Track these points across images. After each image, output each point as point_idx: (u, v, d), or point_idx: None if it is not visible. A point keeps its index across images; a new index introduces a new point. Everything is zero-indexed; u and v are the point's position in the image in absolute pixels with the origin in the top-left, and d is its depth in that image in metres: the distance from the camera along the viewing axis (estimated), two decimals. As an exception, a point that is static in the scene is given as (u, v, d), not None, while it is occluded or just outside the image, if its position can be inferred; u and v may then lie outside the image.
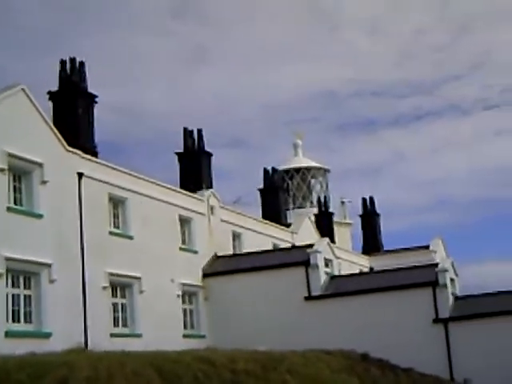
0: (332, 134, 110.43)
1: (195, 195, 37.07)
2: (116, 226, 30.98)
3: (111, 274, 29.35)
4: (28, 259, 25.21)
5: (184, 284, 34.07)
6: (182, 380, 19.90)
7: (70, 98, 31.36)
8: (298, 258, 35.67)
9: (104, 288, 28.97)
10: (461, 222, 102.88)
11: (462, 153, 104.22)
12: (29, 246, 25.42)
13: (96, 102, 32.40)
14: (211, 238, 37.28)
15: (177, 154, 39.98)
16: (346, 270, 41.67)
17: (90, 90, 32.18)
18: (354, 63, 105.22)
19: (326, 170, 62.19)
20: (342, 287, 35.23)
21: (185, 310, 34.49)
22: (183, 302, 34.37)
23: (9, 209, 25.24)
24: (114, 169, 31.02)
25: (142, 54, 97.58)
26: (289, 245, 43.05)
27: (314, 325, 33.75)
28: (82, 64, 32.09)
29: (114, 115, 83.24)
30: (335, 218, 55.53)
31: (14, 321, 24.69)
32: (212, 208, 37.92)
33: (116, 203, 31.14)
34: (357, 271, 45.96)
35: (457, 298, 34.18)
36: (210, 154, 40.51)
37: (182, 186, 37.88)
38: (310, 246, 36.53)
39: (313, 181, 61.52)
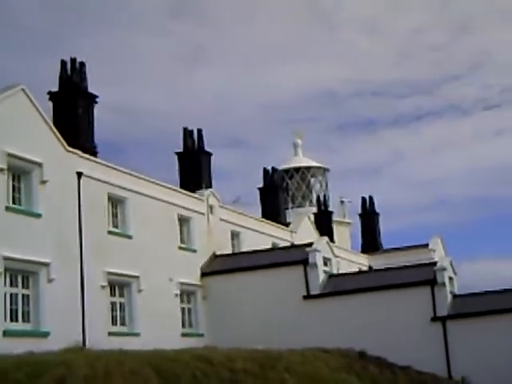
0: (332, 134, 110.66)
1: (195, 195, 37.15)
2: (115, 226, 31.05)
3: (110, 273, 29.44)
4: (27, 258, 25.31)
5: (182, 283, 34.15)
6: (180, 379, 19.97)
7: (70, 98, 31.43)
8: (297, 257, 35.72)
9: (103, 287, 29.05)
10: (460, 221, 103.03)
11: (461, 152, 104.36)
12: (28, 245, 25.52)
13: (96, 102, 32.49)
14: (210, 237, 37.37)
15: (176, 153, 40.07)
16: (344, 269, 41.71)
17: (90, 90, 32.28)
18: (353, 63, 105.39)
19: (326, 170, 62.28)
20: (341, 286, 35.29)
21: (183, 309, 34.58)
22: (181, 301, 34.45)
23: (8, 208, 25.33)
24: (114, 168, 31.11)
25: (141, 53, 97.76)
26: (288, 244, 43.11)
27: (312, 323, 33.82)
28: (82, 64, 32.17)
29: (114, 115, 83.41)
30: (334, 217, 55.58)
31: (12, 320, 24.77)
32: (211, 207, 38.00)
33: (115, 203, 31.23)
34: (356, 270, 45.98)
35: (455, 297, 34.22)
36: (209, 154, 40.60)
37: (181, 186, 37.96)
38: (309, 244, 36.59)
39: (312, 180, 61.60)
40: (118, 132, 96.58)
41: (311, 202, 59.25)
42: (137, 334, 30.18)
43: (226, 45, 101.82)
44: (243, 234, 40.62)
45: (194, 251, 35.85)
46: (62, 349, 20.74)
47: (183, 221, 35.68)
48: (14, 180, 26.34)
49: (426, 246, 52.09)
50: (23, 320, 25.31)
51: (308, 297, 34.67)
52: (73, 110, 31.20)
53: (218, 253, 37.51)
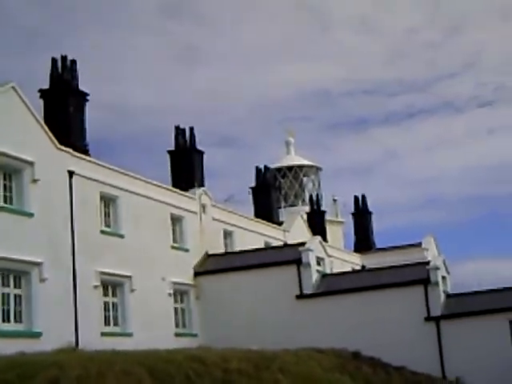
0: (324, 133, 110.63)
1: (187, 194, 36.99)
2: (107, 225, 30.86)
3: (102, 273, 29.24)
4: (18, 258, 25.10)
5: (175, 283, 34.00)
6: (173, 379, 19.85)
7: (61, 96, 31.24)
8: (290, 257, 35.62)
9: (95, 287, 28.86)
10: (454, 220, 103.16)
11: (455, 150, 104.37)
12: (19, 244, 25.32)
13: (87, 101, 32.33)
14: (203, 236, 37.22)
15: (168, 152, 39.90)
16: (337, 269, 41.62)
17: (82, 88, 32.10)
18: (347, 62, 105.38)
19: (318, 169, 62.20)
20: (334, 285, 35.22)
21: (176, 309, 34.41)
22: (175, 300, 34.29)
23: (-1, 207, 25.17)
24: (105, 167, 30.92)
25: (136, 52, 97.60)
26: (281, 243, 43.00)
27: (305, 323, 33.74)
28: (73, 62, 31.98)
29: (107, 113, 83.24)
30: (327, 217, 55.49)
31: (3, 320, 24.57)
32: (204, 206, 37.85)
33: (107, 202, 31.04)
34: (349, 269, 45.90)
35: (448, 296, 34.19)
36: (201, 153, 40.47)
37: (173, 185, 37.83)
38: (302, 244, 36.49)
39: (305, 179, 61.53)
40: (111, 130, 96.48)
41: (304, 201, 59.17)
42: (130, 334, 30.00)
43: (220, 44, 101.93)
44: (236, 234, 40.49)
45: (187, 251, 35.69)
46: (54, 349, 20.58)
47: (176, 220, 35.51)
48: (5, 179, 26.15)
49: (419, 245, 52.04)
50: (15, 320, 25.10)
51: (301, 296, 34.56)
52: (64, 108, 31.03)
53: (211, 252, 37.37)
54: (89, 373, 18.05)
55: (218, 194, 42.18)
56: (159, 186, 34.54)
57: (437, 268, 33.59)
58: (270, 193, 48.06)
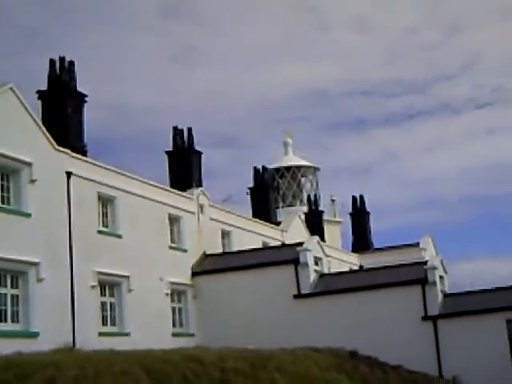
0: (323, 133, 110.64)
1: (185, 194, 37.05)
2: (105, 225, 30.91)
3: (100, 273, 29.29)
4: (16, 258, 25.13)
5: (173, 283, 34.06)
6: (170, 379, 19.87)
7: (59, 97, 31.31)
8: (288, 257, 35.67)
9: (92, 287, 28.90)
10: (451, 220, 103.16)
11: (453, 151, 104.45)
12: (17, 245, 25.36)
13: (85, 101, 32.40)
14: (200, 236, 37.27)
15: (166, 152, 39.96)
16: (335, 268, 41.70)
17: (81, 89, 32.17)
18: (345, 62, 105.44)
19: (317, 169, 62.29)
20: (332, 285, 35.28)
21: (174, 309, 34.45)
22: (172, 300, 34.33)
23: (-3, 208, 25.23)
24: (103, 168, 30.98)
25: (135, 52, 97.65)
26: (278, 243, 43.05)
27: (303, 323, 33.78)
28: (71, 63, 32.06)
29: (105, 113, 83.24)
30: (325, 217, 55.59)
31: (0, 320, 24.59)
32: (201, 207, 37.91)
33: (105, 202, 31.08)
34: (346, 269, 45.98)
35: (446, 296, 34.24)
36: (199, 153, 40.52)
37: (171, 185, 37.91)
38: (300, 244, 36.53)
39: (303, 179, 61.60)
40: (111, 130, 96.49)
41: (302, 201, 59.25)
42: (127, 334, 30.03)
43: (218, 44, 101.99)
44: (234, 234, 40.54)
45: (185, 251, 35.75)
46: (51, 349, 20.56)
47: (173, 220, 35.57)
48: (2, 179, 26.18)
49: (417, 245, 52.13)
50: (12, 320, 25.10)
51: (299, 296, 34.61)
52: (62, 109, 31.08)
53: (209, 252, 37.42)
54: (86, 373, 18.07)
55: (216, 194, 42.30)
56: (157, 187, 34.59)
57: (434, 268, 33.65)
58: (268, 193, 48.13)
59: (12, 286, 25.45)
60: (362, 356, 29.62)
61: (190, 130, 40.31)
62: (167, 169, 39.61)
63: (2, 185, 26.13)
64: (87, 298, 28.37)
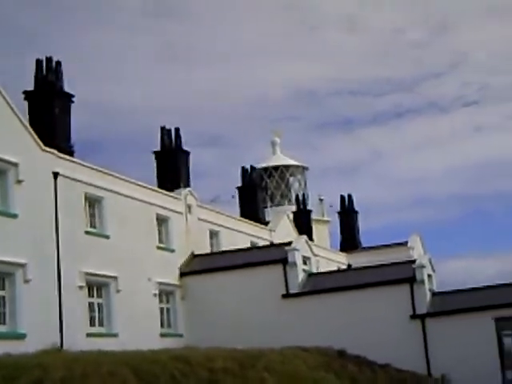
0: (312, 132, 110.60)
1: (172, 194, 36.98)
2: (92, 226, 30.81)
3: (87, 274, 29.20)
4: (2, 259, 24.99)
5: (161, 283, 33.99)
6: (158, 379, 19.84)
7: (45, 97, 31.19)
8: (276, 256, 35.66)
9: (80, 288, 28.80)
10: (439, 218, 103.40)
11: (441, 150, 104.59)
12: (3, 246, 25.19)
13: (72, 102, 32.28)
14: (188, 236, 37.21)
15: (154, 152, 39.88)
16: (323, 268, 41.74)
17: (68, 89, 32.07)
18: (334, 62, 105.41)
19: (305, 168, 62.26)
20: (320, 285, 35.29)
21: (162, 309, 34.38)
22: (160, 301, 34.25)
23: (-17, 209, 25.11)
24: (91, 168, 30.88)
25: (121, 52, 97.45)
26: (267, 243, 43.04)
27: (291, 322, 33.78)
28: (58, 64, 31.94)
29: (92, 114, 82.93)
30: (313, 216, 55.59)
31: (-12, 322, 24.55)
32: (189, 207, 37.84)
33: (92, 202, 30.98)
34: (335, 269, 46.00)
35: (434, 294, 34.31)
36: (187, 153, 40.45)
37: (159, 185, 37.82)
38: (288, 243, 36.53)
39: (291, 179, 61.54)
40: (97, 131, 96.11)
41: (290, 200, 59.19)
42: (115, 335, 29.95)
43: (207, 43, 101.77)
44: (222, 234, 40.50)
45: (173, 251, 35.68)
46: (38, 350, 20.47)
47: (161, 220, 35.50)
48: (-11, 180, 26.09)
49: (405, 243, 52.17)
50: (-1, 322, 25.05)
51: (287, 296, 34.61)
52: (49, 110, 30.96)
53: (197, 252, 37.37)
54: (73, 374, 18.02)
55: (204, 194, 42.22)
56: (144, 187, 34.51)
57: (422, 266, 33.72)
58: (256, 193, 48.09)
59: (-1, 288, 25.37)
60: (350, 355, 29.65)
61: (177, 130, 40.22)
62: (155, 169, 39.52)
63: (-11, 186, 26.03)
64: (75, 298, 28.27)
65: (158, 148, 39.86)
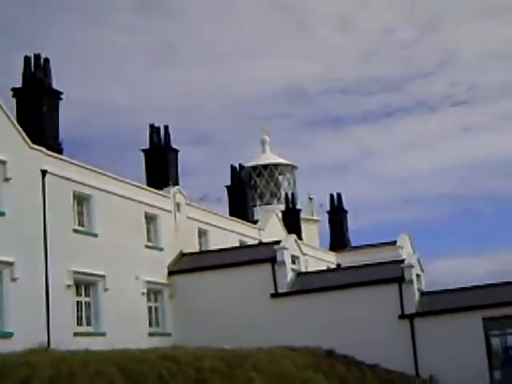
0: (301, 130, 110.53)
1: (161, 192, 36.84)
2: (80, 224, 30.65)
3: (75, 272, 29.05)
4: (-11, 258, 24.91)
5: (149, 282, 33.85)
6: (146, 378, 19.82)
7: (33, 94, 31.01)
8: (265, 255, 35.58)
9: (68, 286, 28.65)
10: (429, 217, 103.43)
11: (430, 149, 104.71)
12: (-10, 244, 25.12)
13: (61, 99, 32.12)
14: (177, 235, 37.10)
15: (143, 150, 39.73)
16: (312, 267, 41.63)
17: (57, 86, 31.91)
18: (324, 60, 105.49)
19: (294, 167, 62.22)
20: (309, 284, 35.23)
21: (150, 308, 34.26)
22: (148, 299, 34.13)
23: (-30, 207, 24.97)
24: (79, 166, 30.74)
25: (110, 50, 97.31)
26: (256, 242, 42.95)
27: (280, 322, 33.70)
28: (46, 60, 31.78)
29: (80, 111, 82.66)
30: (303, 215, 55.54)
31: (-26, 320, 24.41)
32: (178, 205, 37.71)
33: (80, 200, 30.83)
34: (324, 268, 45.95)
35: (423, 294, 34.31)
36: (176, 151, 40.32)
37: (148, 183, 37.68)
38: (277, 242, 36.46)
39: (280, 177, 61.50)
40: (86, 129, 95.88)
41: (279, 199, 59.13)
42: (103, 334, 29.79)
43: (195, 41, 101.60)
44: (211, 232, 40.39)
45: (161, 249, 35.56)
46: (26, 349, 20.40)
47: (150, 219, 35.37)
48: (-24, 178, 25.94)
49: (394, 243, 52.21)
50: (-14, 320, 24.89)
51: (276, 295, 34.54)
52: (37, 107, 30.80)
53: (185, 251, 37.26)
54: (60, 373, 18.00)
55: (193, 192, 42.11)
56: (133, 185, 34.37)
57: (411, 266, 33.71)
58: (245, 191, 48.02)
59: (-15, 286, 25.22)
60: (338, 355, 29.65)
61: (166, 127, 40.10)
62: (144, 167, 39.37)
63: (-24, 183, 25.87)
64: (62, 297, 28.13)
65: (146, 146, 39.68)
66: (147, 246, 34.63)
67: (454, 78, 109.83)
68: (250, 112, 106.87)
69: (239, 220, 44.33)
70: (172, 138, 40.06)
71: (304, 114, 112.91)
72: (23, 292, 25.94)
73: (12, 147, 27.00)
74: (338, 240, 57.65)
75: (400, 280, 33.30)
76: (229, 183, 48.23)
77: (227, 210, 47.31)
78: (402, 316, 32.76)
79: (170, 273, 35.70)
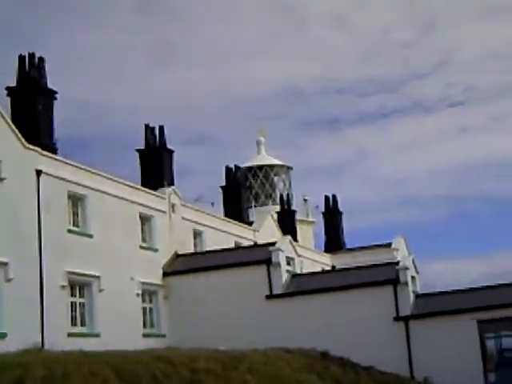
0: (297, 131, 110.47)
1: (156, 193, 36.77)
2: (75, 225, 30.57)
3: (70, 273, 28.99)
4: (-16, 258, 24.82)
5: (144, 283, 33.78)
6: (140, 379, 19.77)
7: (28, 94, 30.94)
8: (260, 257, 35.56)
9: (62, 287, 28.59)
10: (424, 219, 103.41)
11: (426, 150, 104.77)
12: (-15, 244, 25.03)
13: (55, 99, 32.03)
14: (172, 236, 37.02)
15: (138, 150, 39.62)
16: (307, 269, 41.62)
17: (53, 86, 31.86)
18: (321, 61, 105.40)
19: (289, 168, 62.15)
20: (304, 286, 35.20)
21: (144, 309, 34.20)
22: (143, 300, 34.07)
23: (-36, 206, 24.87)
24: (74, 166, 30.65)
25: (109, 50, 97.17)
26: (251, 243, 42.92)
27: (275, 323, 33.68)
28: (41, 60, 31.69)
29: (75, 111, 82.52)
30: (298, 216, 55.46)
31: (-32, 321, 24.31)
32: (173, 206, 37.64)
33: (75, 201, 30.75)
34: (319, 269, 45.91)
35: (418, 296, 34.29)
36: (171, 151, 40.22)
37: (143, 184, 37.57)
38: (272, 244, 36.43)
39: (276, 178, 61.40)
40: (81, 129, 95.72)
41: (274, 200, 59.05)
42: (97, 335, 29.74)
43: (193, 41, 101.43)
44: (206, 233, 40.32)
45: (156, 250, 35.48)
46: (20, 350, 20.31)
47: (145, 219, 35.30)
48: (-30, 177, 25.85)
49: (389, 245, 52.13)
50: (-20, 321, 24.80)
51: (271, 296, 34.51)
52: (32, 106, 30.72)
53: (180, 252, 37.19)
54: (54, 373, 17.96)
55: (188, 193, 42.02)
56: (128, 185, 34.29)
57: (406, 268, 33.69)
58: (240, 192, 47.96)
59: (-20, 286, 25.13)
60: (333, 357, 29.59)
61: (161, 128, 39.99)
62: (139, 167, 39.28)
63: (-30, 183, 25.79)
64: (57, 298, 28.05)
65: (142, 146, 39.58)
66: (142, 247, 34.55)
67: (450, 79, 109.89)
68: (250, 112, 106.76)
69: (234, 221, 44.25)
70: (168, 138, 40.03)
71: (300, 115, 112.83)
72: (17, 292, 25.83)
73: (7, 147, 26.90)
74: (333, 242, 57.65)
75: (395, 282, 33.29)
76: (224, 184, 48.16)
77: (222, 211, 47.24)
78: (397, 318, 32.75)
79: (165, 274, 35.63)
